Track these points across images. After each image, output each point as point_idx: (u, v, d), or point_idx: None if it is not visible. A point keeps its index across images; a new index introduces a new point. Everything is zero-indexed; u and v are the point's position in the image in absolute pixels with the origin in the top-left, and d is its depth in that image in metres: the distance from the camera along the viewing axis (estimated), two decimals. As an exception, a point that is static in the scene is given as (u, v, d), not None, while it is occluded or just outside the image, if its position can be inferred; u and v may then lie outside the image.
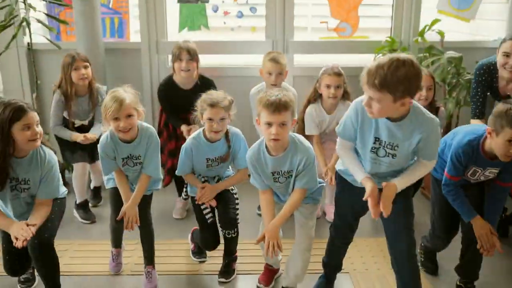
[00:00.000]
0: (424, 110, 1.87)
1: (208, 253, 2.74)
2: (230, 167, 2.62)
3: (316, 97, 3.06)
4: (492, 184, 2.29)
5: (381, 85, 1.69)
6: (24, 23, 3.34)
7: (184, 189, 2.65)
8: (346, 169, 2.08)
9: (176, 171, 2.53)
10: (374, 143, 1.90)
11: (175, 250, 2.84)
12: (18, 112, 2.03)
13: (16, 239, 2.03)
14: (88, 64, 3.11)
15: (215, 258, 2.68)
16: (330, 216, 3.03)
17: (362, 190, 1.95)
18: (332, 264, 2.39)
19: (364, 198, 1.89)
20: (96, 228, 3.15)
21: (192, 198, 2.55)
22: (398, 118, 1.83)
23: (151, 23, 3.78)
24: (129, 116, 2.26)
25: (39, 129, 2.11)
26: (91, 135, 3.07)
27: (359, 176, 1.94)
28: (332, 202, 3.04)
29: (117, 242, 2.63)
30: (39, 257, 2.15)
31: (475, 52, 3.51)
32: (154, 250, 2.53)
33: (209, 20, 3.83)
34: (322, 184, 2.31)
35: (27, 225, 2.06)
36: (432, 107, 2.89)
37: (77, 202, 3.27)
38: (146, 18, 3.75)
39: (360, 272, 2.63)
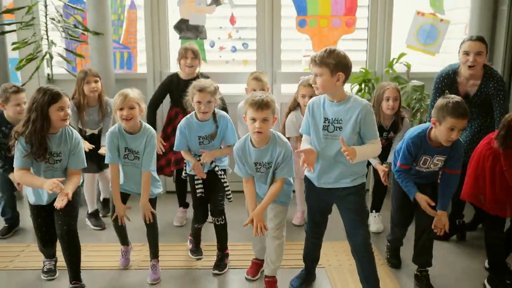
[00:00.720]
0: (359, 97, 2.40)
1: (204, 252, 3.18)
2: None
3: (295, 105, 3.55)
4: (442, 172, 2.72)
5: (320, 62, 2.30)
6: (48, 56, 3.85)
7: (184, 170, 3.09)
8: (312, 173, 2.53)
9: (174, 147, 2.97)
10: (324, 122, 2.39)
11: (176, 251, 3.27)
12: (55, 96, 2.52)
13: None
14: (98, 79, 3.54)
15: (210, 256, 3.11)
16: (296, 220, 3.73)
17: (323, 190, 2.49)
18: (310, 257, 2.82)
19: (296, 151, 2.43)
20: (106, 233, 3.58)
21: (190, 176, 3.01)
22: (339, 100, 2.36)
23: (156, 56, 4.29)
24: (131, 108, 2.74)
25: (69, 111, 2.59)
26: (102, 150, 3.46)
27: (304, 145, 2.48)
28: None
29: (123, 240, 3.06)
30: (66, 242, 2.61)
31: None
32: (158, 246, 2.96)
33: (207, 54, 4.32)
34: (290, 189, 2.74)
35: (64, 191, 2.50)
36: (398, 116, 3.37)
37: (89, 212, 3.71)
38: (151, 52, 4.27)
39: (335, 267, 3.04)
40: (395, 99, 3.28)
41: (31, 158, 2.58)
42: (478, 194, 2.80)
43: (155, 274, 2.90)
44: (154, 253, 2.95)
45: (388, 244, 3.10)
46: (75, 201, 2.67)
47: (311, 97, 3.37)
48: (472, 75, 3.17)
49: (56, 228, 2.63)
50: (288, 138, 3.30)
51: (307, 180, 2.61)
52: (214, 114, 2.93)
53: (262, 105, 2.44)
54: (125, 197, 2.93)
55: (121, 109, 2.72)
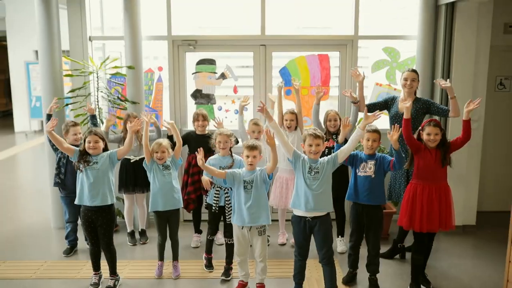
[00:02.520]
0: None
1: (214, 266, 4.42)
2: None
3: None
4: (393, 165, 3.86)
5: (316, 135, 3.59)
6: (99, 121, 5.16)
7: (204, 201, 4.43)
8: (295, 205, 3.67)
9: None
10: (309, 168, 3.60)
11: (193, 266, 4.51)
12: (87, 133, 3.89)
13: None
14: (137, 119, 4.74)
15: (218, 269, 4.35)
16: (280, 240, 4.97)
17: (305, 222, 3.64)
18: (299, 276, 3.87)
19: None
20: (140, 252, 4.89)
21: (209, 205, 4.24)
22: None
23: (177, 117, 5.58)
24: (163, 152, 4.10)
25: (91, 144, 3.81)
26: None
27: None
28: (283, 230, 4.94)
29: (161, 256, 4.34)
30: (106, 250, 3.97)
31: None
32: (178, 253, 4.31)
33: (216, 115, 5.57)
34: (267, 212, 3.85)
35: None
36: (339, 130, 4.60)
37: (128, 231, 5.08)
38: (174, 114, 5.58)
39: (306, 277, 4.04)
40: (334, 120, 4.77)
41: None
42: (411, 219, 3.88)
43: (176, 272, 4.26)
44: (175, 257, 4.30)
45: (348, 260, 4.27)
46: (111, 222, 3.96)
47: (289, 120, 4.84)
48: (408, 93, 4.46)
49: (100, 240, 3.94)
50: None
51: (294, 215, 3.74)
52: (230, 150, 4.21)
53: (253, 147, 3.72)
54: None
55: (156, 152, 4.09)
